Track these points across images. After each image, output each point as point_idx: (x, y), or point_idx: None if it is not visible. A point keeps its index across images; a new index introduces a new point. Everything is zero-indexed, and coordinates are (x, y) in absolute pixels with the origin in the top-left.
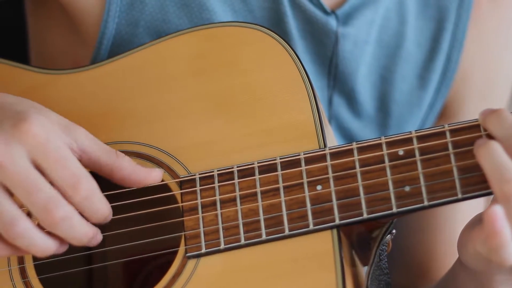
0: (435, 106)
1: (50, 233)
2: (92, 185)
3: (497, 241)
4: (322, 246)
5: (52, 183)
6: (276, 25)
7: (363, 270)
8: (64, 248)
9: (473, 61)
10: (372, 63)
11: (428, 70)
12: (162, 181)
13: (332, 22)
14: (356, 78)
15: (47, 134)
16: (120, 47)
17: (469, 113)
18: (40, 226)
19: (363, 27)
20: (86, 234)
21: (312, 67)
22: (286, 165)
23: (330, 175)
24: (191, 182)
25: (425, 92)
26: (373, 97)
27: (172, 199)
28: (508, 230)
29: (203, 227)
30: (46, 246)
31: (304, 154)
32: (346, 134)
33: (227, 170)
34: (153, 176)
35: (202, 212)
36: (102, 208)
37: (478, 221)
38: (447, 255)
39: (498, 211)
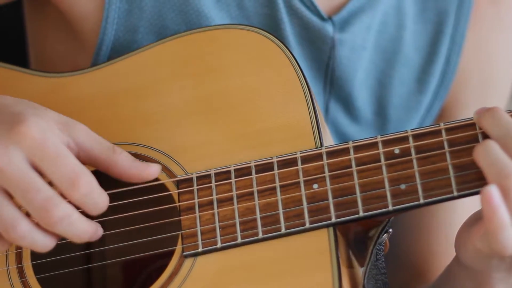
0: (432, 108)
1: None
2: (91, 181)
3: (495, 222)
4: (319, 244)
5: (51, 183)
6: (272, 31)
7: (360, 270)
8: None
9: (472, 64)
10: (370, 68)
11: (427, 73)
12: (159, 180)
13: (328, 28)
14: (353, 83)
15: (44, 134)
16: (119, 53)
17: (468, 115)
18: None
19: (360, 33)
20: (86, 231)
21: (309, 73)
22: (283, 164)
23: (327, 173)
24: (188, 181)
25: (423, 95)
26: (371, 101)
27: (169, 199)
28: (505, 211)
29: (200, 226)
30: (47, 244)
31: (300, 153)
32: (344, 139)
33: (224, 170)
34: (149, 171)
35: (199, 211)
36: (102, 202)
37: (476, 219)
38: (444, 256)
39: (493, 189)
